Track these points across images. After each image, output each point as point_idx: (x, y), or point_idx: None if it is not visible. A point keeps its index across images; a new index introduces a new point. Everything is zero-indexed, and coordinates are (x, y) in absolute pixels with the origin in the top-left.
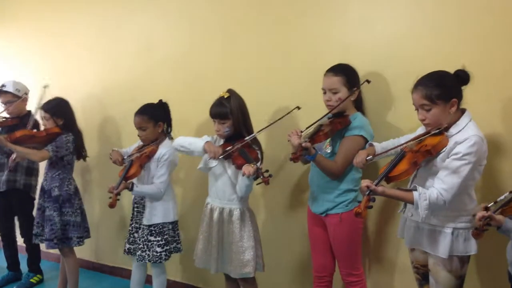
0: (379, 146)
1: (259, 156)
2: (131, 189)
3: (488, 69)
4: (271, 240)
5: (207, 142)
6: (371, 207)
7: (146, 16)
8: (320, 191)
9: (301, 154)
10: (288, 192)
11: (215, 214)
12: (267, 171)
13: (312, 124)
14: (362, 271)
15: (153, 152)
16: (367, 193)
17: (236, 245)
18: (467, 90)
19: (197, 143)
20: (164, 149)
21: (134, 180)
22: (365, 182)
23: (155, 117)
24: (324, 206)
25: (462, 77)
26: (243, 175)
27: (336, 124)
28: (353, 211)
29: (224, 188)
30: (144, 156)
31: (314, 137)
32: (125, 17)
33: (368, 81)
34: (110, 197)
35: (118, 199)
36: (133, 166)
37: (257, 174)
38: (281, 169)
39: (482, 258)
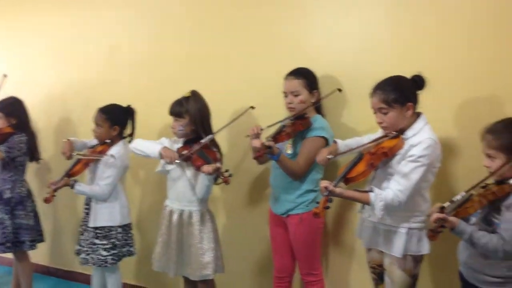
0: (342, 144)
1: (218, 156)
2: (72, 187)
3: (443, 75)
4: (232, 242)
5: (163, 147)
6: (328, 207)
7: (111, 17)
8: (281, 192)
9: (265, 152)
10: (248, 193)
11: (175, 217)
12: (227, 171)
13: (273, 124)
14: (321, 271)
15: (103, 152)
16: (325, 194)
17: (196, 247)
18: (423, 95)
19: (153, 147)
20: (113, 151)
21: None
22: (324, 183)
23: (113, 120)
24: (285, 207)
25: (418, 82)
26: (203, 172)
27: (298, 125)
28: (312, 211)
29: (183, 190)
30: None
31: (276, 137)
32: (90, 18)
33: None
34: (48, 192)
35: (55, 195)
36: (79, 164)
37: (217, 174)
38: (240, 171)
39: (435, 257)
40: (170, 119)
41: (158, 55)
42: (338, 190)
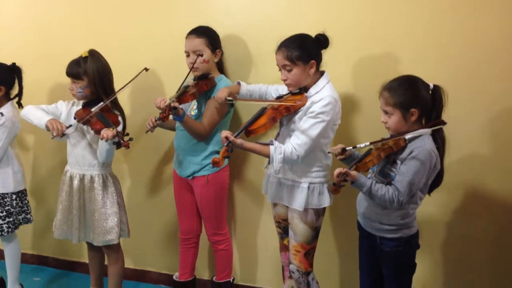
0: (245, 88)
1: (120, 119)
2: None
3: (344, 34)
4: (137, 205)
5: (50, 119)
6: (228, 157)
7: None
8: (186, 154)
9: (170, 113)
10: (153, 157)
11: (75, 182)
12: (127, 134)
13: (179, 88)
14: (227, 230)
15: None
16: (226, 143)
17: (99, 212)
18: (326, 54)
19: (41, 119)
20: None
21: None
22: (224, 133)
23: None
24: (191, 169)
25: (321, 40)
26: (101, 139)
27: (202, 85)
28: (211, 160)
29: (84, 154)
30: None
31: (181, 97)
32: None
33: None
34: None
35: None
36: None
37: (117, 139)
38: (145, 134)
39: (336, 209)
40: (61, 78)
41: (45, 9)
42: (238, 141)
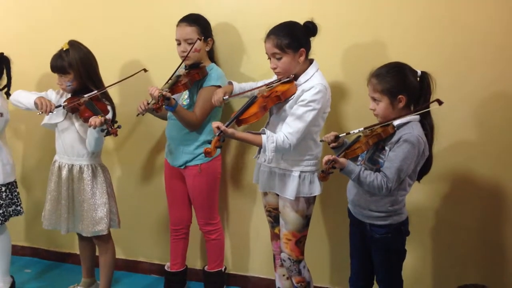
0: (237, 86)
1: (109, 108)
2: None
3: (333, 22)
4: (128, 196)
5: (39, 96)
6: (220, 147)
7: None
8: (179, 144)
9: (163, 104)
10: (144, 146)
11: (64, 172)
12: (116, 122)
13: (170, 77)
14: (219, 220)
15: None
16: (218, 133)
17: (88, 202)
18: (315, 41)
19: (30, 97)
20: None
21: None
22: (215, 124)
23: None
24: (183, 159)
25: (310, 28)
26: (89, 126)
27: (194, 75)
28: (203, 150)
29: (72, 143)
30: None
31: (173, 88)
32: None
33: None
34: None
35: None
36: None
37: (105, 126)
38: (136, 124)
39: (326, 197)
40: (46, 68)
41: (35, 1)
42: (230, 130)
